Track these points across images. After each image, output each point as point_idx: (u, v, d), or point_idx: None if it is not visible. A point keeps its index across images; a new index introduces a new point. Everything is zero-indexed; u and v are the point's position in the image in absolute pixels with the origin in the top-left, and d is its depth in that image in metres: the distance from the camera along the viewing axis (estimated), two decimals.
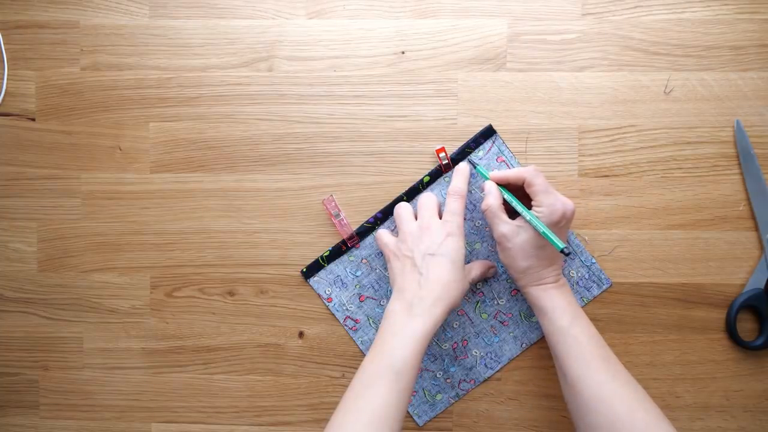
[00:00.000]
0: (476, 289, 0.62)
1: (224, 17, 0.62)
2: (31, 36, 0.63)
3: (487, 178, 0.58)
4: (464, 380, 0.62)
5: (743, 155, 0.60)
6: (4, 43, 0.63)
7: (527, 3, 0.61)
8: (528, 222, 0.54)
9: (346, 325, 0.62)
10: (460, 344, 0.62)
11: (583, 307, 0.61)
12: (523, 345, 0.62)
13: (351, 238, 0.62)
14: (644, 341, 0.61)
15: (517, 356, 0.62)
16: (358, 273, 0.62)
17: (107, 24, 0.63)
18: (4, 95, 0.64)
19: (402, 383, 0.50)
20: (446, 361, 0.62)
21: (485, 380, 0.62)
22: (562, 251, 0.52)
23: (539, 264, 0.55)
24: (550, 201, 0.54)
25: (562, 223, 0.54)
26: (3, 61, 0.63)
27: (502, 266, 0.61)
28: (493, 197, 0.56)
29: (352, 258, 0.62)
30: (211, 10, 0.62)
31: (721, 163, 0.60)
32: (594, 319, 0.61)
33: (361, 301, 0.62)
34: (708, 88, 0.60)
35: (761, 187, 0.59)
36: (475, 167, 0.60)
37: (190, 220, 0.63)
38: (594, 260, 0.61)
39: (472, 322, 0.62)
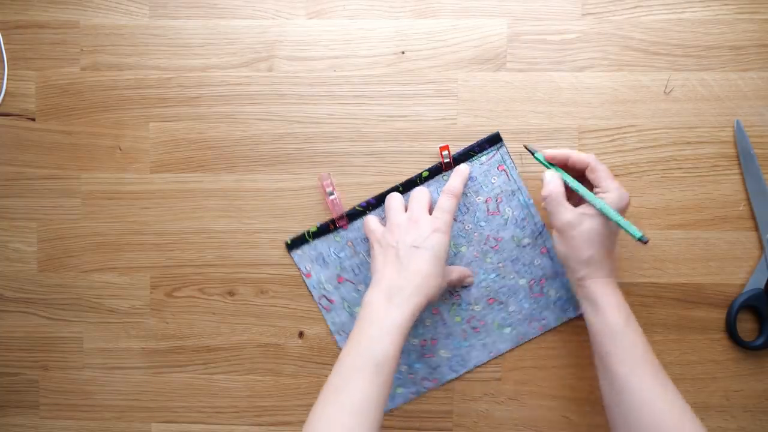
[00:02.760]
0: (455, 291, 0.62)
1: (224, 17, 0.62)
2: (31, 36, 0.63)
3: (546, 165, 0.57)
4: (427, 378, 0.62)
5: (743, 155, 0.60)
6: (4, 43, 0.63)
7: (527, 3, 0.61)
8: (598, 210, 0.52)
9: (320, 304, 0.62)
10: (429, 342, 0.62)
11: (558, 326, 0.61)
12: (491, 354, 0.62)
13: (341, 218, 0.62)
14: None
15: (488, 360, 0.62)
16: (341, 254, 0.62)
17: (107, 24, 0.63)
18: (4, 95, 0.64)
19: (383, 375, 0.49)
20: (412, 356, 0.62)
21: (447, 382, 0.62)
22: (640, 239, 0.50)
23: (601, 253, 0.53)
24: (616, 185, 0.53)
25: (626, 210, 0.53)
26: (3, 61, 0.63)
27: (479, 276, 0.61)
28: (555, 184, 0.55)
29: (338, 238, 0.62)
30: (211, 10, 0.62)
31: (721, 163, 0.60)
32: None
33: (339, 283, 0.62)
34: (708, 88, 0.60)
35: (761, 187, 0.59)
36: (533, 154, 0.58)
37: (190, 220, 0.63)
38: None
39: (445, 323, 0.62)
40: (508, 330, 0.62)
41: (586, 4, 0.60)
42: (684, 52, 0.60)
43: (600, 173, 0.54)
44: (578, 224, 0.53)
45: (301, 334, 0.63)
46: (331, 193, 0.61)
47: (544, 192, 0.55)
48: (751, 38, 0.60)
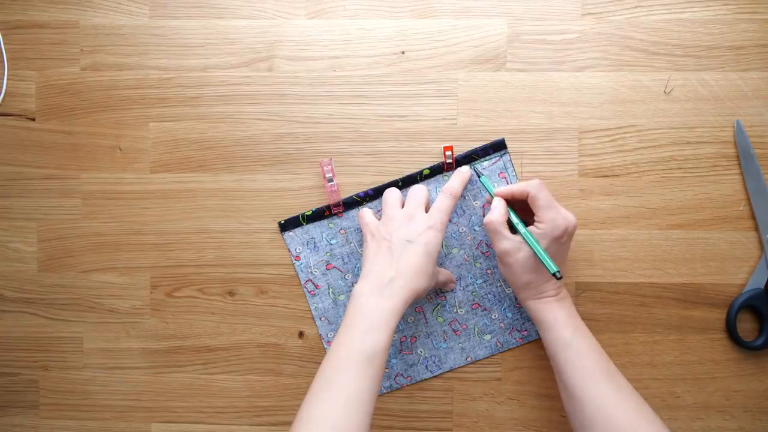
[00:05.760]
0: (440, 292, 0.62)
1: (224, 17, 0.62)
2: (31, 36, 0.63)
3: (490, 191, 0.58)
4: (401, 375, 0.62)
5: (743, 155, 0.60)
6: (4, 43, 0.63)
7: (527, 3, 0.61)
8: (522, 238, 0.54)
9: (305, 287, 0.62)
10: (409, 340, 0.62)
11: (537, 340, 0.62)
12: (468, 359, 0.62)
13: (337, 205, 0.62)
14: (644, 341, 0.61)
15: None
16: (333, 241, 0.62)
17: (107, 24, 0.63)
18: (4, 95, 0.64)
19: (374, 367, 0.50)
20: (390, 351, 0.61)
21: (420, 381, 0.62)
22: (554, 275, 0.52)
23: (539, 278, 0.55)
24: (552, 216, 0.54)
25: (563, 239, 0.54)
26: (3, 61, 0.63)
27: (467, 280, 0.62)
28: (497, 213, 0.55)
29: (331, 225, 0.62)
30: (211, 10, 0.62)
31: (721, 163, 0.60)
32: (594, 320, 0.61)
33: (327, 269, 0.62)
34: (708, 88, 0.60)
35: (761, 187, 0.59)
36: (479, 177, 0.59)
37: (190, 220, 0.63)
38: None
39: (427, 323, 0.62)
40: (488, 337, 0.62)
41: (586, 4, 0.60)
42: (684, 52, 0.60)
43: (538, 202, 0.54)
44: (515, 252, 0.54)
45: (301, 334, 0.63)
46: (330, 180, 0.60)
47: (485, 220, 0.56)
48: (751, 38, 0.60)
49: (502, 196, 0.57)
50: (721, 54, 0.60)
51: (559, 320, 0.54)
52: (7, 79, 0.63)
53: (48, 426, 0.65)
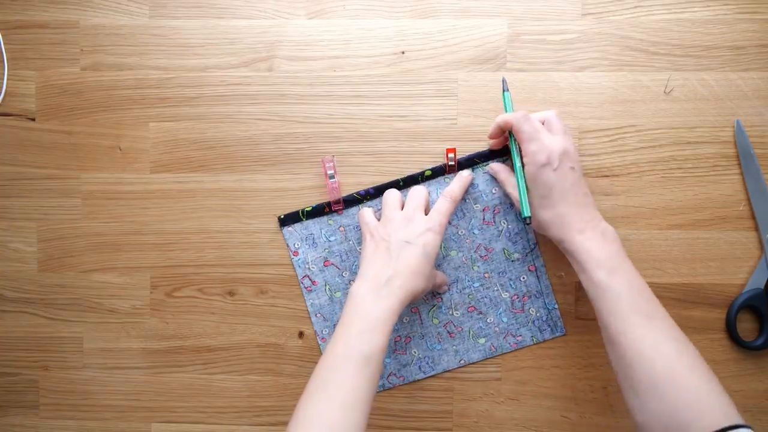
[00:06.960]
0: (437, 294, 0.62)
1: (224, 17, 0.62)
2: (31, 36, 0.63)
3: (506, 108, 0.58)
4: (394, 374, 0.62)
5: (743, 155, 0.60)
6: (4, 43, 0.63)
7: (527, 3, 0.61)
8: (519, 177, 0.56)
9: (302, 283, 0.62)
10: (403, 340, 0.62)
11: (532, 345, 0.61)
12: (462, 361, 0.62)
13: (337, 202, 0.62)
14: None
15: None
16: (332, 238, 0.62)
17: (107, 24, 0.63)
18: (4, 95, 0.64)
19: (371, 368, 0.49)
20: None
21: (413, 381, 0.62)
22: (523, 219, 0.55)
23: (568, 211, 0.53)
24: (533, 149, 0.53)
25: (555, 165, 0.53)
26: (3, 61, 0.63)
27: (464, 282, 0.62)
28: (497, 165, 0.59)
29: (331, 222, 0.62)
30: (211, 10, 0.62)
31: (721, 163, 0.60)
32: (594, 319, 0.61)
33: (325, 266, 0.62)
34: (708, 88, 0.60)
35: (761, 187, 0.59)
36: (504, 92, 0.58)
37: (190, 220, 0.63)
38: (556, 305, 0.61)
39: (422, 323, 0.62)
40: (482, 340, 0.62)
41: (586, 4, 0.60)
42: (684, 52, 0.60)
43: (521, 136, 0.54)
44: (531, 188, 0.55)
45: (301, 334, 0.63)
46: (332, 177, 0.60)
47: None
48: (751, 38, 0.60)
49: (497, 131, 0.57)
50: (721, 54, 0.60)
51: (594, 259, 0.51)
52: (7, 79, 0.63)
53: (48, 426, 0.65)
